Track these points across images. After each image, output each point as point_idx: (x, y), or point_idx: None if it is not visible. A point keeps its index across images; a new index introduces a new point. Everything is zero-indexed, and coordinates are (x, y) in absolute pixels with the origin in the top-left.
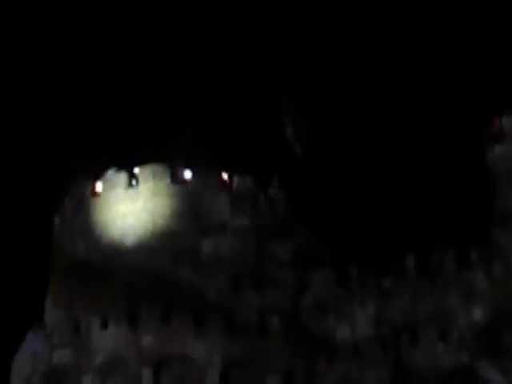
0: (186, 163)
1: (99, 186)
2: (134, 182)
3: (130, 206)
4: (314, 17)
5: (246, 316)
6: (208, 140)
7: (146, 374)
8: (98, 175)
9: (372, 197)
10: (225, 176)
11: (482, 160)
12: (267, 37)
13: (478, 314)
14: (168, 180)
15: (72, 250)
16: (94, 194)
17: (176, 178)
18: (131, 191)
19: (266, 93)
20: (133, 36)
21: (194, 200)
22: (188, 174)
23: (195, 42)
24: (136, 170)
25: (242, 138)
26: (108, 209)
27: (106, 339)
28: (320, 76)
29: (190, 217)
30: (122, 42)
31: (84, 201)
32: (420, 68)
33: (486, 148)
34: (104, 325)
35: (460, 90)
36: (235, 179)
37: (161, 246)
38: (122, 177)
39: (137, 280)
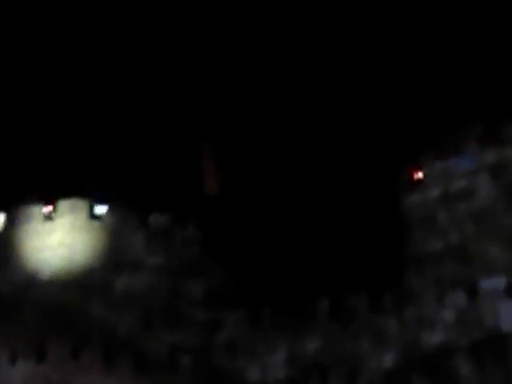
0: (104, 199)
1: (16, 219)
2: (51, 215)
3: (47, 240)
4: (229, 65)
5: (157, 353)
6: (126, 176)
7: None
8: (15, 208)
9: (286, 239)
10: (141, 213)
11: (397, 206)
12: (185, 80)
13: (387, 358)
14: (86, 215)
15: None
16: (10, 226)
17: (94, 213)
18: (48, 224)
19: (184, 133)
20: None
21: (111, 236)
22: (105, 210)
23: (105, 76)
24: (53, 204)
25: (159, 176)
26: (23, 242)
27: (15, 375)
28: (237, 121)
29: (106, 252)
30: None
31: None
32: (337, 114)
33: (401, 195)
34: (13, 360)
35: (376, 138)
36: (152, 217)
37: (74, 280)
38: (39, 210)
39: (47, 314)
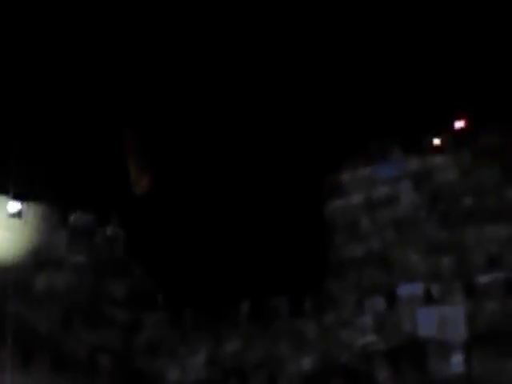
0: (26, 197)
1: None
2: None
3: None
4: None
5: (76, 353)
6: (48, 174)
7: None
8: None
9: (209, 241)
10: (64, 211)
11: (321, 211)
12: (112, 75)
13: (307, 362)
14: (6, 212)
15: None
16: None
17: (15, 211)
18: None
19: (109, 130)
20: None
21: (32, 234)
22: (19, 207)
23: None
24: None
25: (82, 174)
26: None
27: None
28: (165, 119)
29: (27, 250)
30: None
31: None
32: (261, 119)
33: (325, 200)
34: None
35: (303, 143)
36: (74, 215)
37: None
38: None
39: None
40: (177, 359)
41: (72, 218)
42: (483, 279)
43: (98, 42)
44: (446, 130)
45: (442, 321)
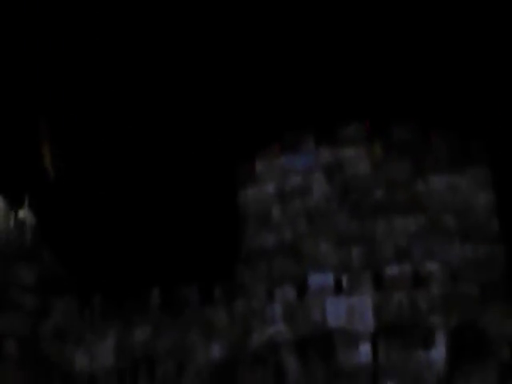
0: None
1: None
2: None
3: None
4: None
5: None
6: None
7: None
8: None
9: (120, 226)
10: None
11: (233, 200)
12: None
13: (216, 350)
14: None
15: None
16: None
17: None
18: None
19: (22, 113)
20: None
21: None
22: None
23: None
24: None
25: None
26: None
27: None
28: (78, 105)
29: None
30: None
31: None
32: (174, 105)
33: (237, 189)
34: None
35: (217, 130)
36: None
37: None
38: None
39: None
40: (85, 346)
41: None
42: (391, 271)
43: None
44: (358, 122)
45: (350, 311)
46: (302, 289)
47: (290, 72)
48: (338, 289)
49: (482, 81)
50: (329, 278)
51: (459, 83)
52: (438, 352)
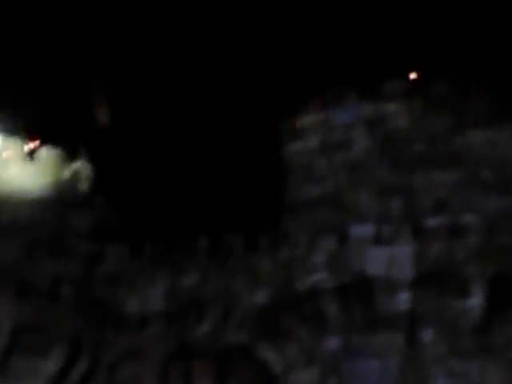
0: None
1: None
2: None
3: None
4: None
5: (39, 283)
6: (16, 108)
7: None
8: None
9: (171, 177)
10: (32, 144)
11: (278, 154)
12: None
13: (260, 296)
14: None
15: None
16: None
17: None
18: None
19: (78, 71)
20: None
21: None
22: None
23: None
24: None
25: (49, 108)
26: None
27: None
28: (129, 65)
29: None
30: None
31: None
32: (221, 65)
33: (282, 143)
34: None
35: (262, 87)
36: (42, 148)
37: None
38: None
39: None
40: (136, 291)
41: (40, 151)
42: (430, 222)
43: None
44: (399, 78)
45: (390, 260)
46: (343, 238)
47: (333, 30)
48: (377, 239)
49: None
50: (369, 228)
51: (498, 40)
52: (474, 300)
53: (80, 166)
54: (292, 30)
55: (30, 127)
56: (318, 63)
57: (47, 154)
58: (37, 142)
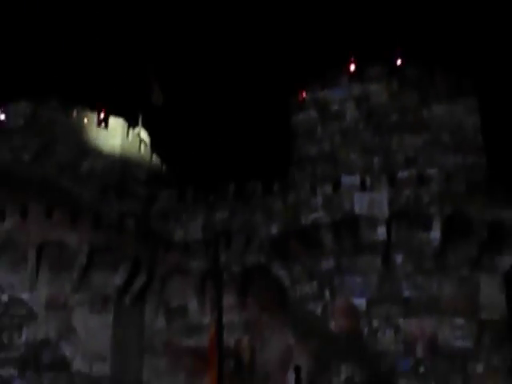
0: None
1: None
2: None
3: None
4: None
5: (109, 217)
6: (93, 86)
7: (31, 253)
8: None
9: (208, 139)
10: (103, 114)
11: (288, 122)
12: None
13: (274, 228)
14: None
15: None
16: None
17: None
18: None
19: (136, 58)
20: None
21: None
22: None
23: None
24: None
25: (118, 87)
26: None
27: (2, 228)
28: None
29: (76, 143)
30: None
31: None
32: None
33: (291, 114)
34: (2, 216)
35: (277, 70)
36: (111, 117)
37: (49, 161)
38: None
39: (30, 184)
40: (181, 224)
41: (110, 120)
42: (402, 174)
43: None
44: (380, 64)
45: (371, 202)
46: (336, 186)
47: (328, 28)
48: (362, 186)
49: (475, 37)
50: (356, 178)
51: (458, 37)
52: (435, 233)
53: (139, 130)
54: (298, 29)
55: (102, 101)
56: (318, 53)
57: (115, 121)
58: (106, 113)
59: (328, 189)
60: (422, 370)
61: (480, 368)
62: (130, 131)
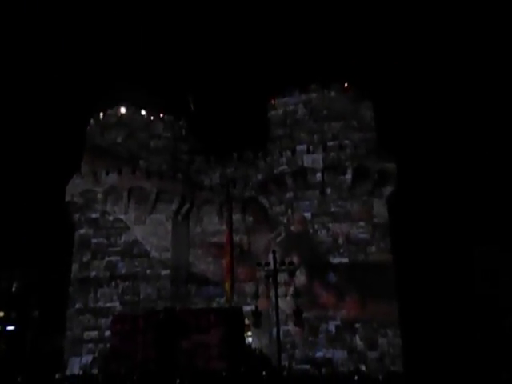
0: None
1: None
2: None
3: None
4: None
5: (168, 172)
6: (144, 93)
7: (125, 193)
8: None
9: (224, 130)
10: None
11: (266, 116)
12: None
13: (259, 176)
14: None
15: None
16: None
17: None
18: None
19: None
20: None
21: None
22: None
23: None
24: None
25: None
26: None
27: (108, 180)
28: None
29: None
30: None
31: None
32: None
33: (268, 111)
34: (107, 174)
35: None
36: (161, 115)
37: (131, 143)
38: None
39: (122, 157)
40: (208, 175)
41: (164, 117)
42: (330, 144)
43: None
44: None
45: (313, 160)
46: (293, 151)
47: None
48: (308, 151)
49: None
50: (304, 147)
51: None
52: (348, 176)
53: (182, 123)
54: (273, 58)
55: (156, 105)
56: (281, 76)
57: (167, 118)
58: (164, 113)
59: (289, 153)
60: (341, 251)
61: (373, 249)
62: (175, 125)
